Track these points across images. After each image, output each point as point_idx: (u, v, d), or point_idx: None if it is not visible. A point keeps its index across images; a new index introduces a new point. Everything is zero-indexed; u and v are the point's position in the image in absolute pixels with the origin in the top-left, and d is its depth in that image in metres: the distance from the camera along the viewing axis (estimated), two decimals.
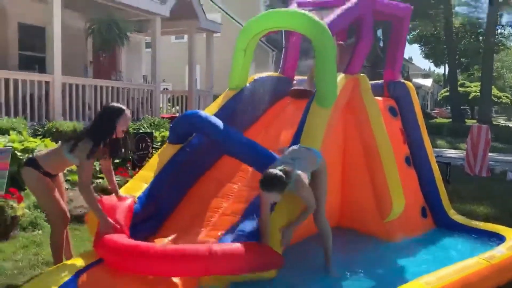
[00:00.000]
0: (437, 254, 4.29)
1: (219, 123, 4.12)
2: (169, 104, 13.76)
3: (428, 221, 5.14)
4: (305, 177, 3.45)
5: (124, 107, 3.48)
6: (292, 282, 3.43)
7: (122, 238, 3.21)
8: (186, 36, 17.53)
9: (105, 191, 6.04)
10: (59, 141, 3.58)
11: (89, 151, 3.24)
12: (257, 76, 5.26)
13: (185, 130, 4.35)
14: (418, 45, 37.52)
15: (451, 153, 14.70)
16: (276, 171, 3.30)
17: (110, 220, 3.31)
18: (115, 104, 3.55)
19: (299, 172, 3.40)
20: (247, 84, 5.00)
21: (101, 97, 9.80)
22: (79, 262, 3.26)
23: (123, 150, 3.58)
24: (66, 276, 3.07)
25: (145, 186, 4.04)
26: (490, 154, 9.87)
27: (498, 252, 3.97)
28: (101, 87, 9.81)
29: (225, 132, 4.09)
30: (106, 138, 3.38)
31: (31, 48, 10.77)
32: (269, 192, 3.27)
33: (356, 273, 3.71)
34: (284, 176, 3.28)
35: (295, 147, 3.80)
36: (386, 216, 4.56)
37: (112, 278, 3.09)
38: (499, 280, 3.74)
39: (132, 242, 3.17)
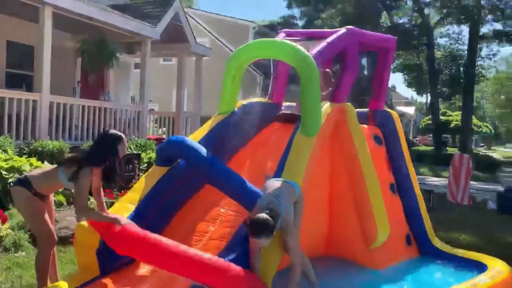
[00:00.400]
0: (422, 281, 4.34)
1: (204, 152, 4.14)
2: (156, 125, 13.76)
3: (413, 248, 5.21)
4: (290, 212, 3.50)
5: (122, 134, 3.55)
6: None
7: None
8: (174, 58, 17.70)
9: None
10: (55, 164, 3.58)
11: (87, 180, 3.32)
12: (245, 101, 5.34)
13: (170, 155, 4.37)
14: (401, 73, 38.39)
15: (433, 180, 14.93)
16: (263, 216, 3.23)
17: (121, 217, 3.43)
18: (113, 131, 3.59)
19: (284, 215, 3.40)
20: (236, 109, 5.07)
21: (88, 117, 9.77)
22: (65, 286, 3.22)
23: (117, 175, 3.60)
24: None
25: (131, 208, 4.02)
26: (472, 182, 10.08)
27: (481, 281, 4.05)
28: (89, 107, 9.80)
29: (210, 162, 4.09)
30: (107, 162, 3.43)
31: (19, 66, 10.75)
32: (259, 238, 3.27)
33: None
34: (272, 220, 3.24)
35: (276, 182, 3.75)
36: (371, 244, 4.62)
37: None
38: None
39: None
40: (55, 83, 9.05)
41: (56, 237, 3.60)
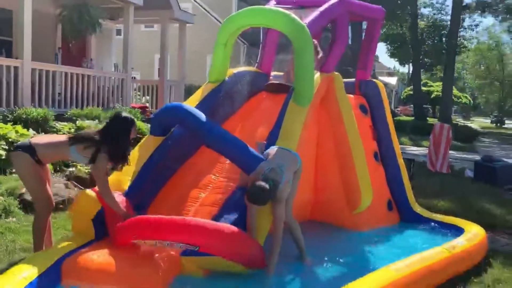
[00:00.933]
0: (403, 244, 4.59)
1: (202, 117, 4.20)
2: (139, 93, 13.63)
3: (394, 214, 5.45)
4: (288, 183, 3.66)
5: (134, 118, 3.71)
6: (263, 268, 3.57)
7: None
8: (156, 25, 17.35)
9: (78, 179, 6.05)
10: (66, 137, 3.62)
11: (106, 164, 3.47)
12: (236, 70, 5.38)
13: (167, 122, 4.42)
14: (384, 43, 38.43)
15: (413, 150, 15.29)
16: (263, 186, 3.39)
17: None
18: (126, 114, 3.70)
19: (282, 187, 3.57)
20: (227, 78, 5.10)
21: (71, 84, 9.64)
22: (61, 249, 3.33)
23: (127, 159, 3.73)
24: (49, 262, 3.14)
25: (127, 179, 4.09)
26: (450, 151, 10.38)
27: (459, 243, 4.30)
28: (72, 74, 9.65)
29: (208, 126, 4.17)
30: (123, 150, 3.58)
31: None
32: (257, 204, 3.49)
33: (327, 261, 3.94)
34: (270, 191, 3.42)
35: (277, 149, 3.88)
36: (355, 208, 4.83)
37: (95, 263, 3.17)
38: (459, 268, 4.05)
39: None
40: (36, 50, 8.86)
41: (53, 203, 3.66)
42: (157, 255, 3.36)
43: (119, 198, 3.70)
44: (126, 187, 3.97)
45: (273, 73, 5.85)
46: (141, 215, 3.49)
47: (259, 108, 5.25)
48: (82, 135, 3.60)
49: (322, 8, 5.01)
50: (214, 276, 3.40)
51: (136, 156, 4.24)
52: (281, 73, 5.71)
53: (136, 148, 4.42)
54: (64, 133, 7.30)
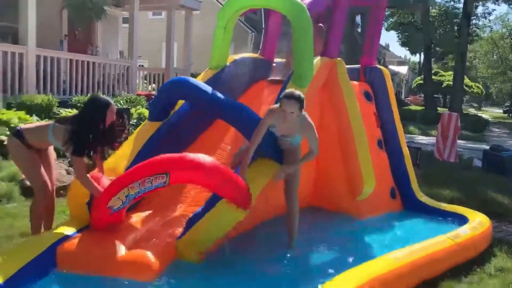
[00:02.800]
0: (405, 232, 4.51)
1: (211, 90, 4.11)
2: (145, 81, 13.62)
3: (397, 202, 5.37)
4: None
5: (111, 101, 3.54)
6: (264, 258, 3.57)
7: None
8: (164, 13, 17.27)
9: None
10: (51, 120, 3.59)
11: (78, 148, 3.32)
12: (237, 56, 5.29)
13: (170, 97, 4.31)
14: (396, 32, 37.99)
15: (422, 139, 15.12)
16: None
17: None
18: (101, 97, 3.57)
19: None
20: (227, 64, 5.02)
21: (76, 71, 9.65)
22: (57, 233, 3.31)
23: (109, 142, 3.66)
24: (44, 245, 3.12)
25: (123, 164, 4.06)
26: (458, 141, 10.23)
27: (463, 232, 4.22)
28: (77, 61, 9.65)
29: (214, 94, 4.06)
30: (95, 131, 3.41)
31: (3, 18, 10.43)
32: (289, 100, 3.44)
33: (327, 248, 3.88)
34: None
35: None
36: (357, 195, 4.75)
37: (90, 248, 3.15)
38: (463, 258, 3.97)
39: None
40: (41, 36, 8.86)
41: (50, 189, 3.64)
42: (154, 240, 3.34)
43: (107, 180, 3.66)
44: (121, 172, 3.93)
45: (276, 60, 5.76)
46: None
47: (260, 96, 5.17)
48: (59, 118, 3.52)
49: None
50: (209, 264, 3.36)
51: (132, 141, 4.20)
52: (284, 60, 5.62)
53: (134, 133, 4.39)
54: None
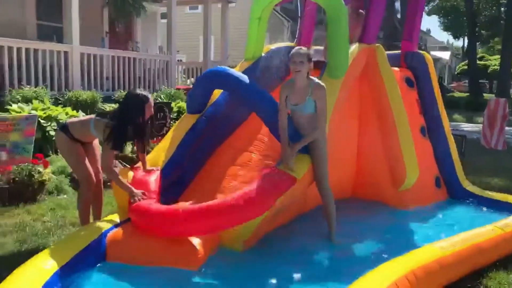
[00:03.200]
0: (451, 222, 4.39)
1: (245, 78, 4.09)
2: (184, 75, 13.84)
3: (442, 191, 5.23)
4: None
5: (149, 95, 3.55)
6: (306, 247, 3.57)
7: (150, 204, 3.34)
8: (200, 7, 17.43)
9: (125, 158, 6.24)
10: (93, 114, 3.68)
11: (117, 143, 3.41)
12: (272, 46, 5.28)
13: (208, 88, 4.34)
14: (437, 16, 36.69)
15: (467, 126, 14.61)
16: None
17: (136, 190, 3.42)
18: (139, 92, 3.58)
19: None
20: (263, 54, 5.02)
21: (118, 67, 9.92)
22: (106, 223, 3.44)
23: (146, 136, 3.71)
24: (94, 235, 3.25)
25: (163, 155, 4.15)
26: (507, 128, 9.82)
27: None
28: (118, 58, 9.92)
29: (250, 87, 4.04)
30: (133, 126, 3.48)
31: (49, 18, 10.87)
32: (293, 57, 3.56)
33: (370, 238, 3.84)
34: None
35: None
36: (400, 186, 4.66)
37: (138, 237, 3.25)
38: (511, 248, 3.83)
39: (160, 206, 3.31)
40: (84, 35, 9.17)
41: (94, 180, 3.78)
42: None
43: (156, 173, 3.76)
44: (161, 163, 4.01)
45: (313, 48, 5.70)
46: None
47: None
48: (101, 112, 3.64)
49: None
50: (253, 252, 3.40)
51: (174, 133, 4.29)
52: (322, 47, 5.56)
53: (174, 126, 4.47)
54: None
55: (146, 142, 3.73)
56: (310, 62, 3.61)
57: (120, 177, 3.48)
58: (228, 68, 4.32)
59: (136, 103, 3.47)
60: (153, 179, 3.72)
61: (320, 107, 3.62)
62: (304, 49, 3.66)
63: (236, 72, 4.22)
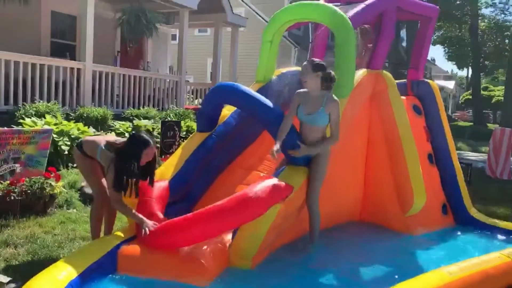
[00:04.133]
0: (457, 248, 4.41)
1: (256, 95, 4.14)
2: (192, 96, 14.00)
3: (449, 218, 5.25)
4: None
5: (150, 141, 3.48)
6: (314, 268, 3.62)
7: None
8: (209, 30, 17.75)
9: None
10: (105, 140, 3.68)
11: (116, 184, 3.40)
12: (284, 70, 5.39)
13: (218, 103, 4.40)
14: (442, 46, 37.09)
15: (472, 155, 14.64)
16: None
17: (148, 221, 3.39)
18: (141, 135, 3.53)
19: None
20: (273, 77, 5.12)
21: (128, 86, 10.09)
22: (118, 237, 3.48)
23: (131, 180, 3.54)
24: (106, 249, 3.29)
25: (171, 171, 4.20)
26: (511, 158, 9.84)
27: None
28: (129, 76, 10.10)
29: (261, 103, 4.07)
30: (130, 170, 3.40)
31: (63, 36, 11.12)
32: (303, 68, 3.78)
33: (377, 261, 3.85)
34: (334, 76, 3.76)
35: None
36: (407, 211, 4.69)
37: (149, 251, 3.29)
38: None
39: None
40: (96, 53, 9.37)
41: (108, 196, 3.78)
42: (205, 247, 3.44)
43: (164, 183, 3.79)
44: (168, 178, 4.05)
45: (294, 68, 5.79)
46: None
47: None
48: (112, 142, 3.57)
49: (368, 1, 4.94)
50: (262, 270, 3.43)
51: (183, 150, 4.32)
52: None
53: (184, 143, 4.53)
54: (121, 132, 7.66)
55: (135, 186, 3.58)
56: (316, 71, 3.76)
57: (130, 208, 3.47)
58: (236, 84, 4.41)
59: (135, 147, 3.42)
60: (161, 185, 3.79)
61: (333, 120, 3.75)
62: (310, 60, 3.85)
63: (246, 87, 4.29)
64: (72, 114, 7.88)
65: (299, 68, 5.78)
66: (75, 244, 4.05)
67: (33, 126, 6.11)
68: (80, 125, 6.83)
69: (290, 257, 3.73)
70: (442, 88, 37.66)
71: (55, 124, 6.44)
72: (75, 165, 5.64)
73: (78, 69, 8.98)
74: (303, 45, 20.30)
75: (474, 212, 5.33)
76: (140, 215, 3.42)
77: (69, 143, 6.13)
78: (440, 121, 5.53)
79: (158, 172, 4.07)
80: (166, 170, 4.19)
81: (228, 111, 4.63)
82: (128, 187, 3.48)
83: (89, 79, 9.06)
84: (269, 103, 4.10)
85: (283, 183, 3.53)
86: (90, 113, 7.80)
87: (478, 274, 3.47)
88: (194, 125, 8.38)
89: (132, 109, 9.50)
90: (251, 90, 4.27)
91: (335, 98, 3.79)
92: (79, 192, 5.43)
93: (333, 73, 3.82)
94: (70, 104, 8.73)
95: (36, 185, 4.82)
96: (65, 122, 6.70)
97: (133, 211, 3.47)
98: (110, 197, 3.52)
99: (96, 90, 9.33)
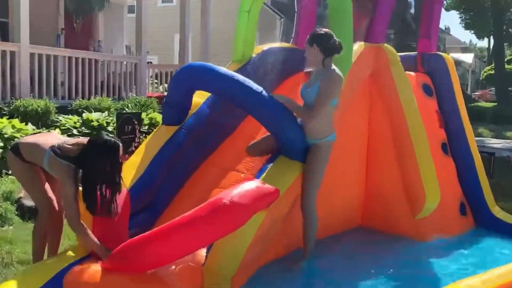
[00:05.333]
0: (479, 256, 4.47)
1: (235, 75, 4.10)
2: (156, 81, 13.91)
3: (468, 219, 5.32)
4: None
5: (119, 142, 3.45)
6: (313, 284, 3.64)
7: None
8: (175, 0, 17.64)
9: None
10: (51, 142, 3.52)
11: (91, 205, 3.36)
12: (266, 46, 5.36)
13: (185, 88, 4.36)
14: (457, 12, 37.47)
15: (495, 143, 14.88)
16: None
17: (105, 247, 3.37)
18: (107, 138, 3.43)
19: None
20: (254, 56, 5.10)
21: (76, 71, 9.95)
22: (64, 259, 3.42)
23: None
24: (49, 274, 3.23)
25: (132, 173, 4.16)
26: None
27: None
28: (77, 59, 9.96)
29: (242, 84, 4.02)
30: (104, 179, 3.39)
31: None
32: (309, 44, 3.86)
33: (387, 274, 3.91)
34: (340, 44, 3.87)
35: None
36: (418, 213, 4.73)
37: (103, 275, 3.24)
38: None
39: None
40: (34, 32, 9.20)
41: (55, 208, 3.71)
42: (172, 267, 3.41)
43: (122, 192, 3.72)
44: (129, 183, 4.01)
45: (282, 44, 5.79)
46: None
47: (297, 90, 5.22)
48: (62, 148, 3.44)
49: None
50: None
51: (146, 147, 4.30)
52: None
53: (147, 139, 4.50)
54: (68, 128, 7.56)
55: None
56: (311, 44, 3.86)
57: (89, 232, 3.40)
58: (211, 64, 4.37)
59: (101, 154, 3.35)
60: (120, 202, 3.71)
61: (321, 89, 3.79)
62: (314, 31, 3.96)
63: (222, 67, 4.25)
64: (5, 109, 7.75)
65: (285, 44, 5.77)
66: (10, 270, 3.97)
67: None
68: (16, 121, 6.72)
69: (281, 275, 3.73)
70: (458, 63, 38.11)
71: None
72: (10, 172, 5.54)
73: (12, 52, 8.81)
74: (289, 15, 20.27)
75: (497, 211, 5.40)
76: (99, 243, 3.37)
77: (1, 144, 6.02)
78: (456, 103, 5.58)
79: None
80: (125, 174, 4.12)
81: (200, 98, 4.60)
82: (105, 204, 3.39)
83: (26, 64, 8.90)
84: (252, 83, 4.06)
85: (267, 186, 3.50)
86: (28, 106, 7.70)
87: (502, 287, 3.51)
88: (159, 117, 8.32)
89: (81, 99, 9.39)
90: (228, 70, 4.24)
91: (334, 71, 3.84)
92: (16, 204, 5.34)
93: (333, 41, 3.86)
94: (3, 96, 8.58)
95: None
96: None
97: (91, 235, 3.40)
98: (68, 215, 3.43)
99: (35, 77, 9.18)
